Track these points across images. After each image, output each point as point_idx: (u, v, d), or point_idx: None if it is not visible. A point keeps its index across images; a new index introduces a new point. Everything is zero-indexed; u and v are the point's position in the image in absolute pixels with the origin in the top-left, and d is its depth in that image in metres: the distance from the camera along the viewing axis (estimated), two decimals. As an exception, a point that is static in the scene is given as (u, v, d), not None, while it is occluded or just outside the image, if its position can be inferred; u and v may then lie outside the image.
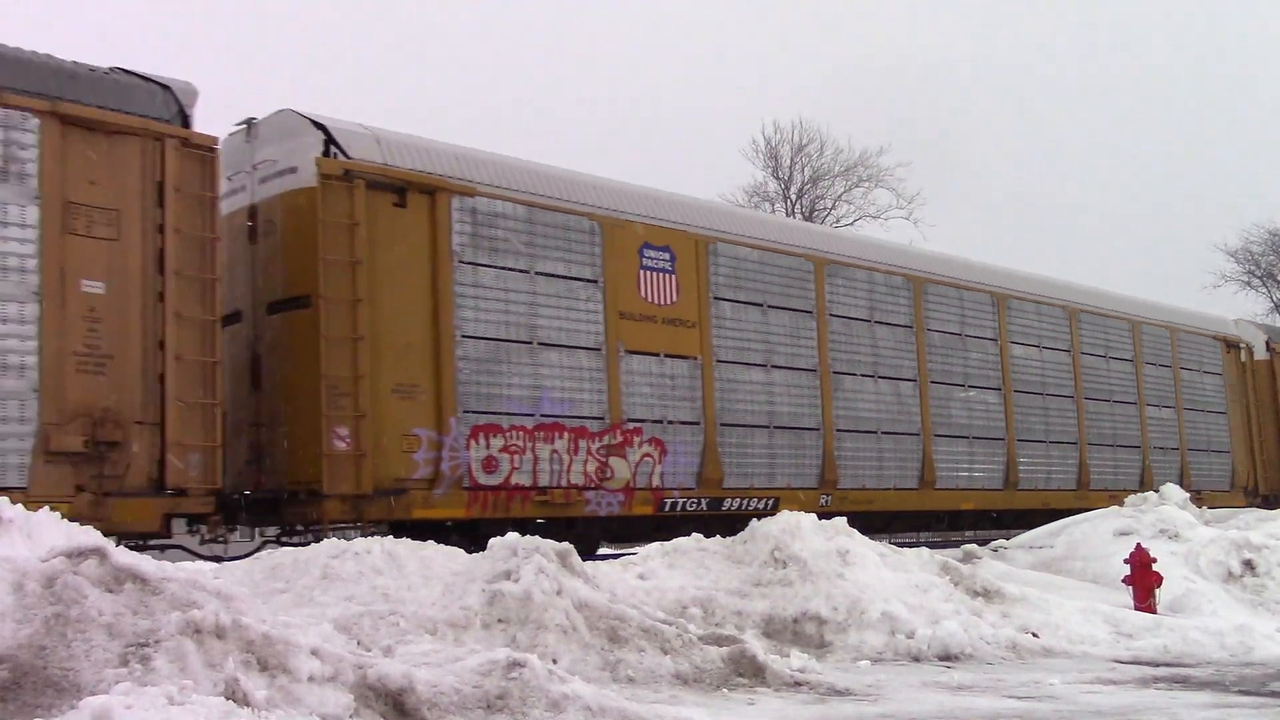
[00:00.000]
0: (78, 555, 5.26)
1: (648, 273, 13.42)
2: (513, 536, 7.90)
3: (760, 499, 13.94)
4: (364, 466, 10.86)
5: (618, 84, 71.70)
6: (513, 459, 11.97)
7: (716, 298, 14.07)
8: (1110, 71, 77.71)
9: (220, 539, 10.73)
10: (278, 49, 64.00)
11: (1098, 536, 13.10)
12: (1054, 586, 11.28)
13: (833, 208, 39.73)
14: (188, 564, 6.86)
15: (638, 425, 13.05)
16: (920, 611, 9.18)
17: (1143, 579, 10.68)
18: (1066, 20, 76.97)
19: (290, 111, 11.63)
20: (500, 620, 7.23)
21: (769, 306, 14.64)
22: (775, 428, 14.40)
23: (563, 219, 12.75)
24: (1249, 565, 12.07)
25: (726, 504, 13.75)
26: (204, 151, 10.55)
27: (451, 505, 11.52)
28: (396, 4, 69.78)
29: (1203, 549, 12.30)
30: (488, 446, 11.79)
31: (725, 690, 7.01)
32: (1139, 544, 11.18)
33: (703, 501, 13.58)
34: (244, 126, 11.98)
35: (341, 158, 11.24)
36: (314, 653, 5.20)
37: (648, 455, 13.13)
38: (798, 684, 7.24)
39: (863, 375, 15.64)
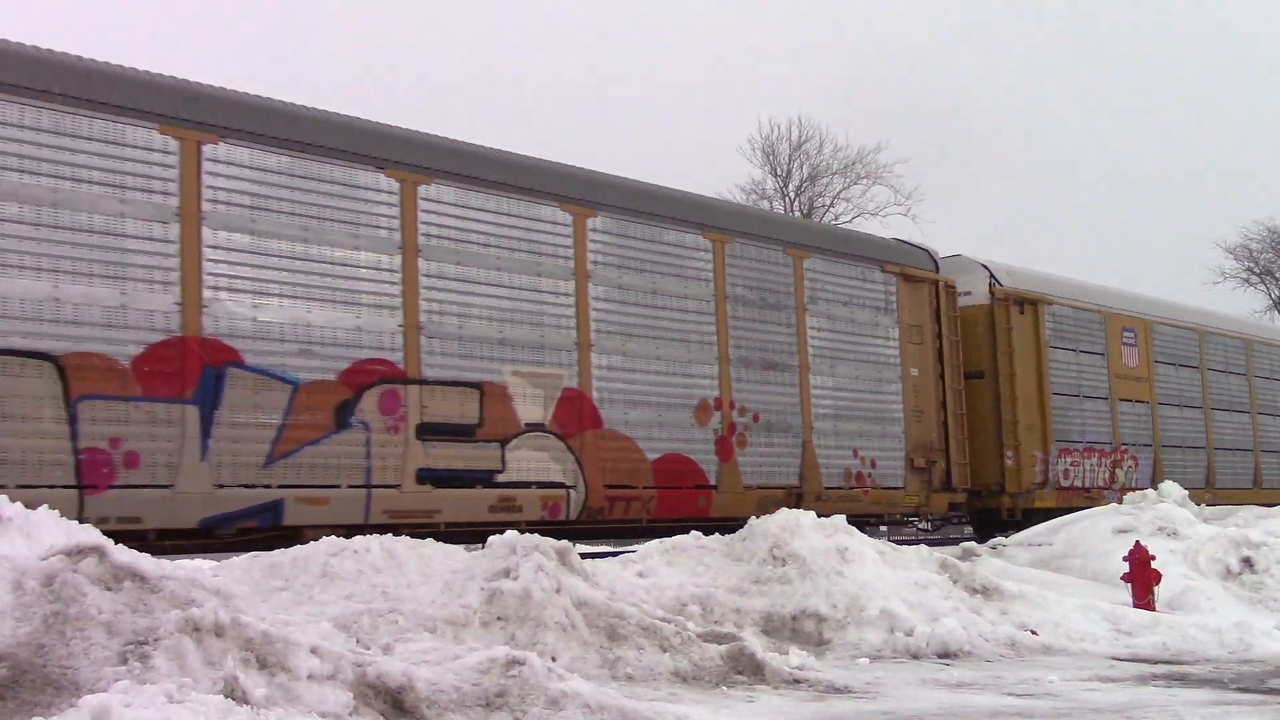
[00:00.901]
0: (77, 553, 5.25)
1: (1124, 346, 19.72)
2: (511, 534, 7.91)
3: (1185, 494, 20.72)
4: (1019, 475, 17.32)
5: (616, 81, 71.73)
6: (1075, 470, 18.35)
7: (1157, 361, 20.38)
8: (1109, 70, 77.74)
9: (956, 520, 18.91)
10: (277, 46, 64.01)
11: (1096, 534, 13.11)
12: (1053, 584, 11.28)
13: (831, 205, 39.79)
14: (186, 562, 6.86)
15: (1126, 447, 19.44)
16: (919, 609, 9.19)
17: (1141, 576, 10.69)
18: (1066, 19, 76.97)
19: (965, 256, 17.90)
20: (499, 618, 7.24)
21: (1185, 367, 21.20)
22: (1184, 447, 20.82)
23: (1089, 315, 19.15)
24: (1248, 562, 12.07)
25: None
26: (948, 288, 16.93)
27: (1049, 500, 17.46)
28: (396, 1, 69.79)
29: (1201, 546, 12.31)
30: (1065, 462, 18.16)
31: (724, 688, 7.01)
32: (1138, 541, 11.18)
33: None
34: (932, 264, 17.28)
35: (997, 286, 17.61)
36: (313, 651, 5.19)
37: (1130, 467, 19.45)
38: (797, 681, 7.24)
39: (1197, 408, 21.59)
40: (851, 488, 15.03)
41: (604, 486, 12.45)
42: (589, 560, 8.82)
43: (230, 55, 56.32)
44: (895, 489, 15.71)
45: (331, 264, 10.71)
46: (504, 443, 11.69)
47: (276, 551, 8.28)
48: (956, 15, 76.25)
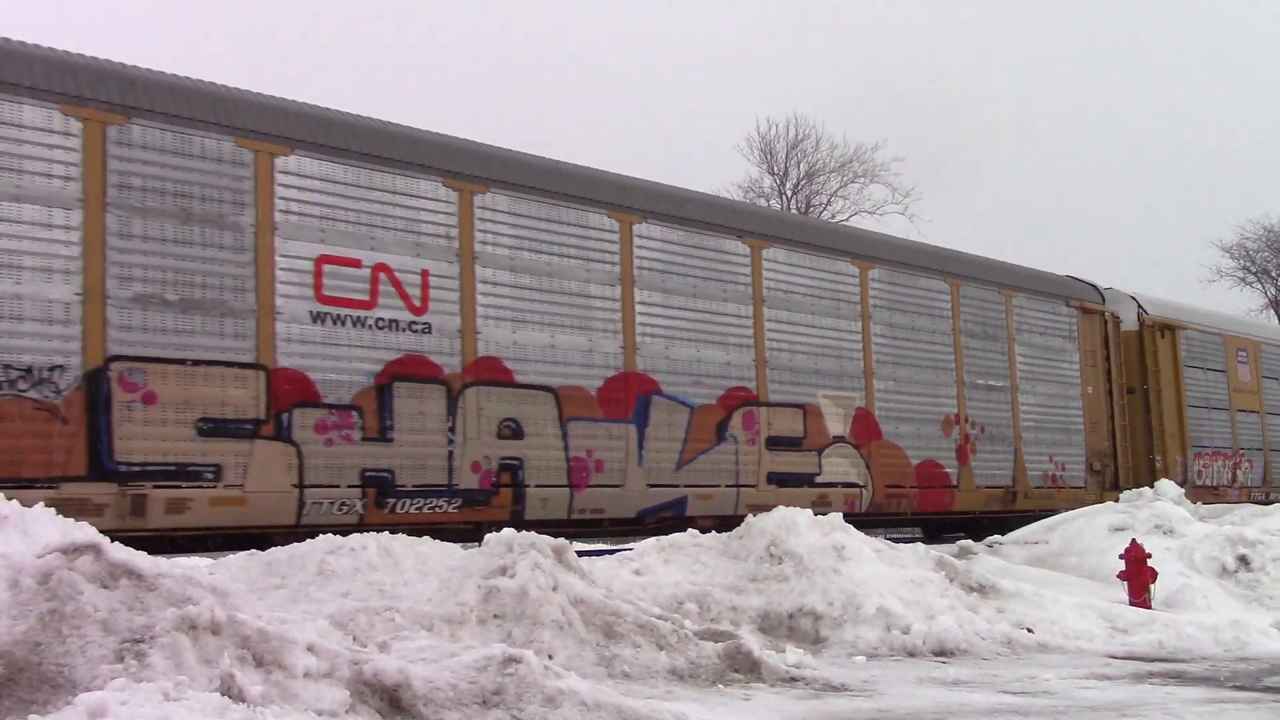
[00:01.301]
0: (73, 551, 5.25)
1: (1239, 364, 22.61)
2: (508, 532, 7.91)
3: (1283, 492, 23.47)
4: (1166, 475, 18.31)
5: (614, 80, 71.71)
6: (1205, 471, 20.99)
7: (1265, 376, 23.30)
8: (1107, 69, 77.79)
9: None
10: (274, 41, 63.94)
11: (1093, 532, 13.12)
12: (1049, 582, 11.29)
13: (828, 203, 39.83)
14: (182, 559, 6.86)
15: (1243, 451, 22.41)
16: (916, 607, 9.19)
17: (1138, 574, 10.70)
18: (1065, 19, 77.01)
19: (1116, 290, 20.39)
20: (496, 616, 7.24)
21: None
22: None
23: (1212, 338, 22.02)
24: (1244, 560, 12.08)
25: (1272, 496, 22.43)
26: (1113, 318, 19.79)
27: (1191, 499, 18.32)
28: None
29: (1197, 544, 12.32)
30: (1199, 464, 20.88)
31: (721, 686, 7.02)
32: (1134, 539, 11.18)
33: (1269, 494, 22.53)
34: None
35: (1145, 315, 20.34)
36: (310, 648, 5.19)
37: (1247, 468, 22.48)
38: (793, 679, 7.25)
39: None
40: (1048, 487, 18.14)
41: (885, 486, 15.60)
42: (586, 558, 8.82)
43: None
44: (1079, 488, 18.65)
45: (711, 314, 13.80)
46: (820, 451, 14.86)
47: (273, 549, 8.28)
48: (954, 13, 76.30)
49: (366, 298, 10.97)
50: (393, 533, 8.38)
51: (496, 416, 11.69)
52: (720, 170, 69.83)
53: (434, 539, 8.60)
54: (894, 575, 9.66)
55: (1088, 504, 16.46)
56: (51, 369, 9.16)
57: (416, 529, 9.43)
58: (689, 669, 7.16)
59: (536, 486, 11.76)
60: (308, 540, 8.23)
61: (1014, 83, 77.19)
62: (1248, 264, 48.27)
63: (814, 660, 7.94)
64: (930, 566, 10.18)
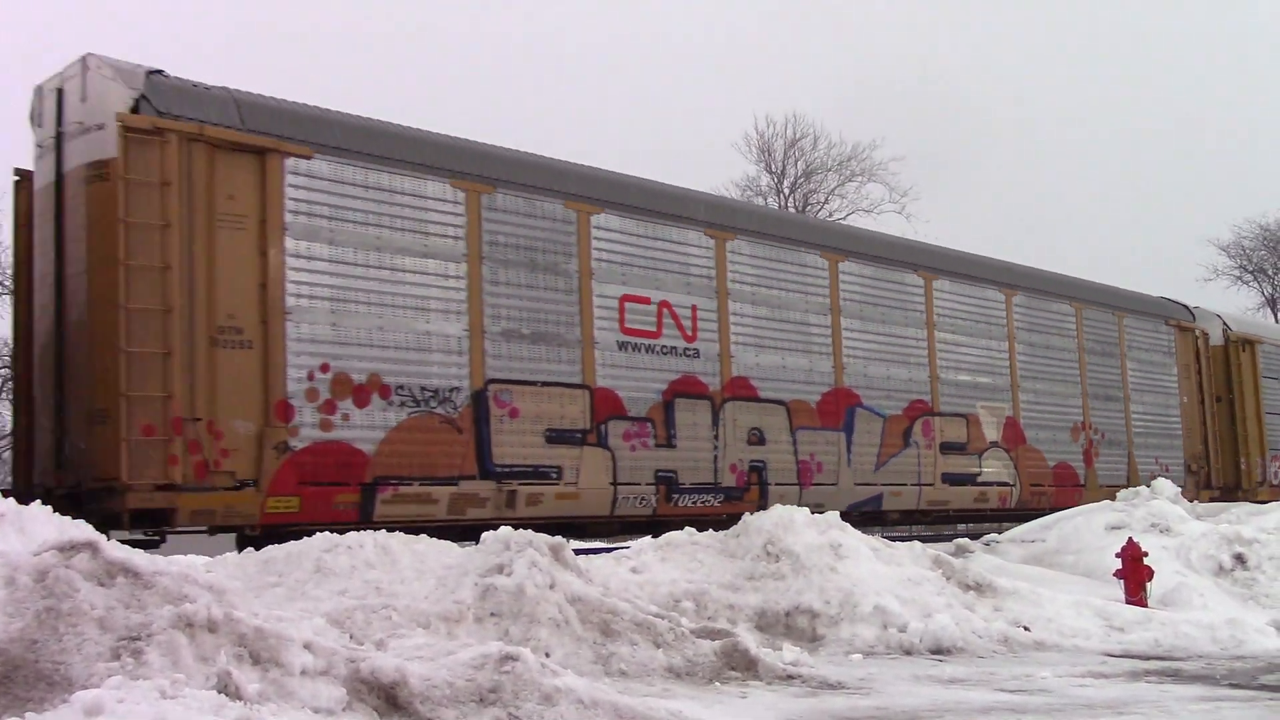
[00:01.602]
0: (70, 549, 5.25)
1: None
2: (505, 530, 7.91)
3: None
4: (1250, 475, 21.91)
5: (613, 79, 71.68)
6: (1271, 469, 22.84)
7: None
8: (1105, 69, 77.83)
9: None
10: (274, 39, 63.87)
11: (1090, 530, 13.12)
12: (1046, 580, 11.29)
13: (825, 202, 39.82)
14: (179, 557, 6.86)
15: None
16: (912, 605, 9.19)
17: (1134, 573, 10.71)
18: (1063, 18, 77.01)
19: (1203, 309, 22.38)
20: (493, 614, 7.24)
21: None
22: None
23: None
24: (1240, 559, 12.09)
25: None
26: (1204, 335, 21.60)
27: (1264, 494, 20.96)
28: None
29: (1194, 543, 12.33)
30: (1276, 466, 22.73)
31: (717, 683, 7.02)
32: (1130, 538, 11.20)
33: None
34: None
35: (1229, 331, 22.23)
36: (306, 646, 5.19)
37: None
38: (790, 677, 7.25)
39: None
40: None
41: (1029, 485, 17.73)
42: (583, 556, 8.82)
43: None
44: (1179, 488, 20.29)
45: (896, 337, 16.04)
46: (979, 455, 17.05)
47: (270, 547, 8.28)
48: (954, 13, 76.32)
49: (654, 329, 13.24)
50: (675, 524, 10.63)
51: (746, 426, 13.95)
52: (719, 169, 69.84)
53: (697, 529, 10.27)
54: (891, 573, 9.66)
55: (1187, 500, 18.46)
56: (451, 390, 11.33)
57: (692, 520, 11.54)
58: (686, 667, 7.17)
59: (776, 485, 13.99)
60: (305, 538, 8.24)
61: (1014, 83, 77.27)
62: (1244, 262, 48.32)
63: (811, 658, 7.95)
64: (927, 565, 10.18)
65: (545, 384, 12.04)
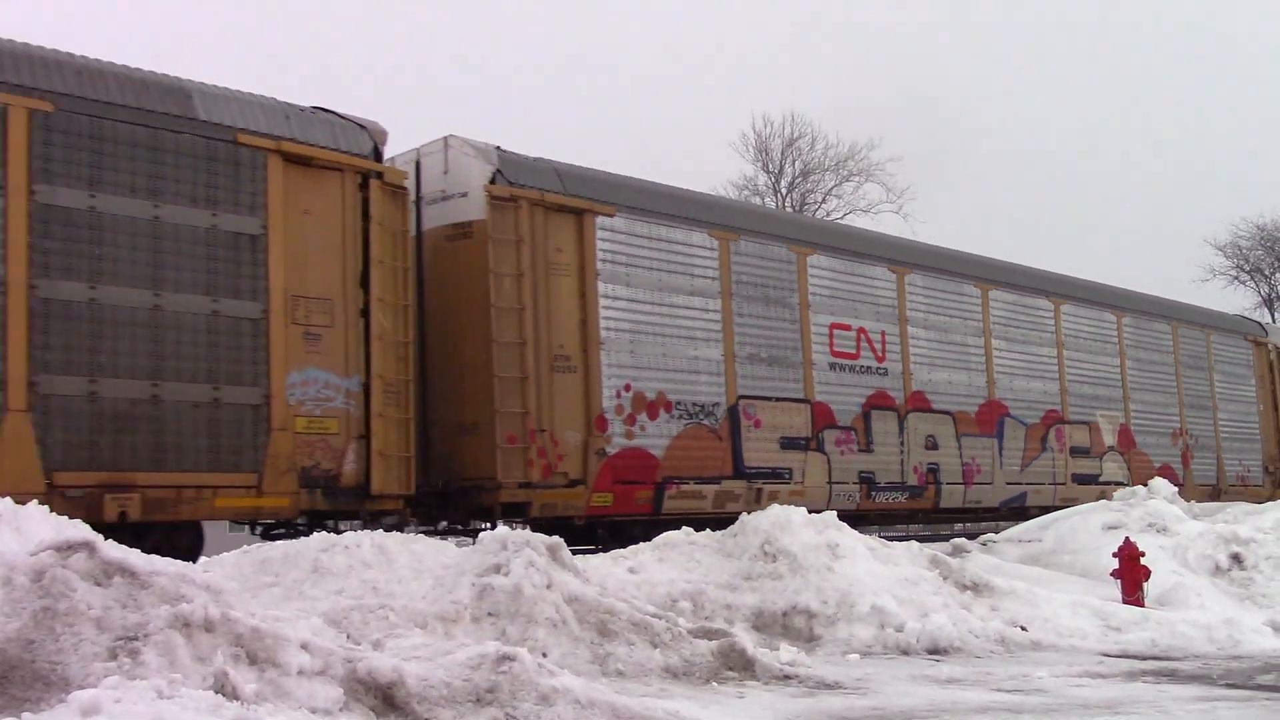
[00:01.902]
0: (66, 549, 5.24)
1: None
2: (503, 530, 7.90)
3: None
4: None
5: (611, 77, 71.72)
6: None
7: None
8: (1103, 69, 77.92)
9: None
10: (273, 39, 63.85)
11: (1087, 530, 13.12)
12: (1043, 580, 11.30)
13: (823, 202, 39.85)
14: (176, 561, 6.85)
15: None
16: (909, 605, 9.20)
17: (1131, 572, 10.72)
18: (1061, 18, 77.08)
19: (1274, 325, 22.08)
20: (490, 614, 7.23)
21: None
22: None
23: None
24: (1236, 559, 12.10)
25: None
26: (1275, 349, 24.68)
27: None
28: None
29: (1191, 543, 12.34)
30: None
31: (714, 683, 7.02)
32: (1127, 538, 11.21)
33: None
34: None
35: None
36: (303, 646, 5.19)
37: None
38: (787, 677, 7.25)
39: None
40: (1239, 485, 22.73)
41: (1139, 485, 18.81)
42: (580, 556, 8.82)
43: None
44: (1258, 486, 23.25)
45: (1033, 355, 18.61)
46: (1100, 458, 19.63)
47: (267, 546, 8.28)
48: (952, 13, 76.35)
49: (854, 351, 15.65)
50: (872, 518, 14.78)
51: (923, 433, 16.36)
52: (716, 168, 69.80)
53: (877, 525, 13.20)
54: (888, 573, 9.66)
55: (1265, 499, 19.78)
56: (713, 405, 13.78)
57: (885, 514, 15.65)
58: (683, 667, 7.16)
59: (947, 484, 16.54)
60: (302, 538, 8.24)
61: (1008, 82, 77.30)
62: (1241, 262, 48.41)
63: (808, 658, 7.96)
64: (924, 565, 10.19)
65: (778, 399, 14.56)
